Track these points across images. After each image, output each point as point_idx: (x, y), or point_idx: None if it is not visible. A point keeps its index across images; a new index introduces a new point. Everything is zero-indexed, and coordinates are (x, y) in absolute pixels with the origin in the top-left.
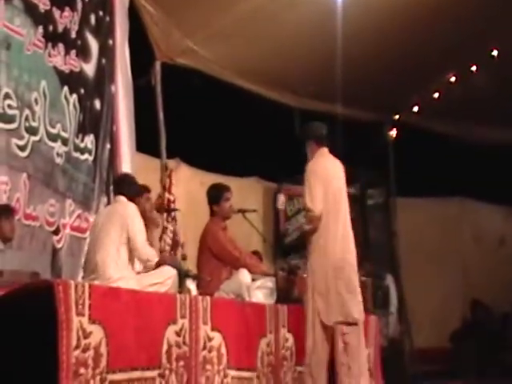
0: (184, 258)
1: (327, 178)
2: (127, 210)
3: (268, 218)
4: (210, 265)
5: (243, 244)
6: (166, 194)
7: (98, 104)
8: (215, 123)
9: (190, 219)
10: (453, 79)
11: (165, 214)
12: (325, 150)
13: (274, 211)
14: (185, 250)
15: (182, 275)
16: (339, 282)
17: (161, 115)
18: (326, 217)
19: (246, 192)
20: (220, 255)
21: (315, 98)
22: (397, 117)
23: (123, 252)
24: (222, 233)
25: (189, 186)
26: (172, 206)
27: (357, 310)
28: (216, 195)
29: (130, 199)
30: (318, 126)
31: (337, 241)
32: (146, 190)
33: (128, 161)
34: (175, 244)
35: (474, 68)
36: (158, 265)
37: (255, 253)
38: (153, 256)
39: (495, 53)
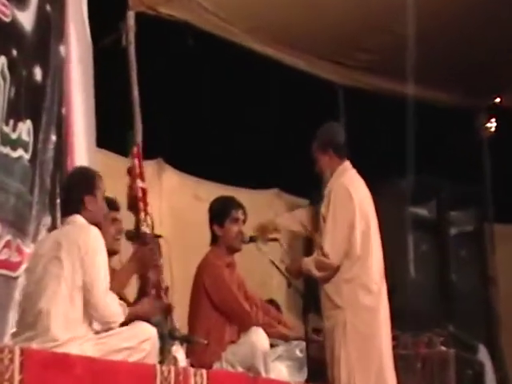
0: (168, 309)
1: (358, 210)
2: (86, 238)
3: (295, 250)
4: (209, 320)
5: (257, 289)
6: (138, 182)
7: (38, 73)
8: (216, 107)
9: (177, 249)
10: None
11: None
12: (348, 165)
13: (304, 240)
14: (170, 296)
15: (165, 336)
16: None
17: (135, 93)
18: (355, 262)
19: (262, 210)
20: (223, 305)
21: (370, 72)
22: (497, 100)
23: (78, 300)
24: (226, 271)
25: (176, 199)
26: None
27: None
28: (219, 213)
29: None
30: (338, 129)
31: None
32: (111, 206)
33: (85, 161)
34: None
35: None
36: (129, 319)
37: (271, 303)
38: (117, 315)
39: None
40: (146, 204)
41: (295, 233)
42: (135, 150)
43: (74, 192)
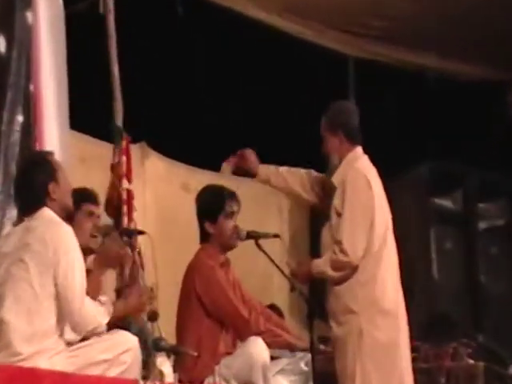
0: (153, 316)
1: (375, 202)
2: (55, 236)
3: (300, 248)
4: (200, 328)
5: (256, 292)
6: (125, 183)
7: (1, 44)
8: (210, 82)
9: (163, 247)
10: None
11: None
12: (360, 151)
13: (311, 236)
14: (154, 301)
15: (149, 347)
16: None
17: (115, 67)
18: (370, 260)
19: (262, 203)
20: (216, 311)
21: (385, 42)
22: None
23: (47, 307)
24: (220, 272)
25: (161, 189)
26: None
27: None
28: (211, 207)
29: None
30: (352, 110)
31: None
32: (87, 198)
33: (55, 145)
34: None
35: None
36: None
37: (272, 308)
38: (96, 322)
39: None
40: (131, 209)
41: (283, 191)
42: (124, 144)
43: (34, 181)
